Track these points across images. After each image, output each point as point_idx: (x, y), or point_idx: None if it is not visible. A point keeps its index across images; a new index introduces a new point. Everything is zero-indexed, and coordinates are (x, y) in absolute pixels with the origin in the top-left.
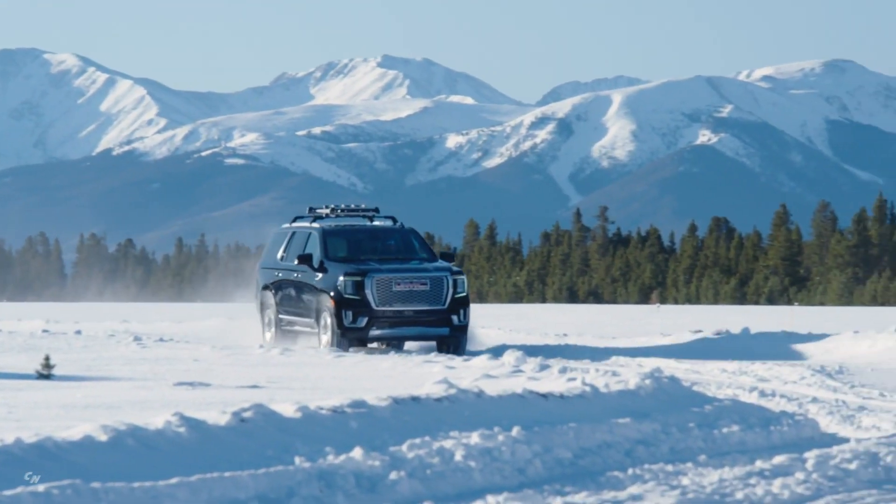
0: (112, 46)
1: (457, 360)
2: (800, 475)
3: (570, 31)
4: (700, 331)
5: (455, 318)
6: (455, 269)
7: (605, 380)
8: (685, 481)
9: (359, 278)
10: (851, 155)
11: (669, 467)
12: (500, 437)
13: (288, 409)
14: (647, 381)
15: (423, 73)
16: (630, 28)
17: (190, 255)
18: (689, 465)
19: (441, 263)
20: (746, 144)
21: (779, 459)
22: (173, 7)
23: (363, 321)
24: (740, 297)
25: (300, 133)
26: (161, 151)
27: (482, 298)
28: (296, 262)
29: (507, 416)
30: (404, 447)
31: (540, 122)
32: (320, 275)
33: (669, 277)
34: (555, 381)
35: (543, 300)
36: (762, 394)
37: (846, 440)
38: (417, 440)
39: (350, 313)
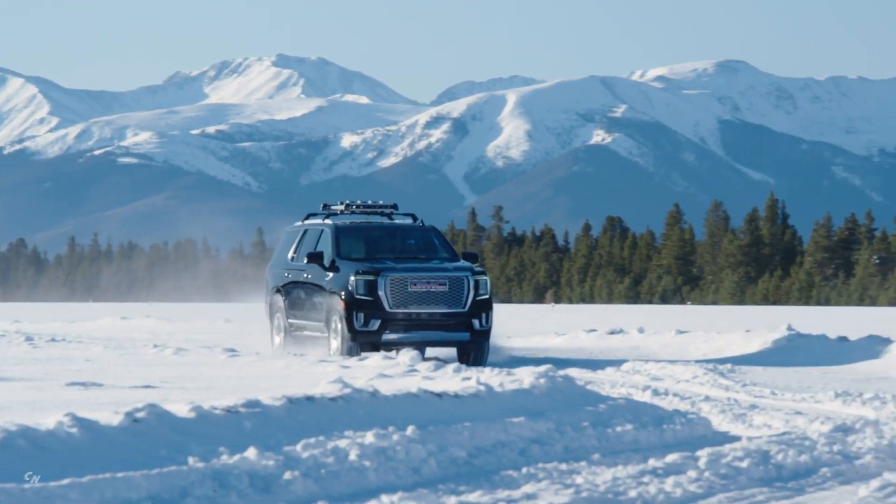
0: (2, 44)
1: (352, 360)
2: (692, 473)
3: (464, 31)
4: (594, 330)
5: (476, 322)
6: (477, 269)
7: (499, 378)
8: (579, 480)
9: (371, 277)
10: (743, 155)
11: (563, 466)
12: (395, 437)
13: (182, 409)
14: (542, 381)
15: (318, 72)
16: (525, 28)
17: (83, 254)
18: (583, 463)
19: (462, 263)
20: (640, 144)
21: (672, 458)
22: (66, 4)
23: (376, 324)
24: (634, 297)
25: (194, 132)
26: (53, 150)
27: None
28: (305, 261)
29: (402, 416)
30: (299, 447)
31: (435, 122)
32: (331, 274)
33: (564, 277)
34: (449, 380)
35: None
36: (655, 392)
37: (738, 438)
38: (312, 440)
39: (361, 315)
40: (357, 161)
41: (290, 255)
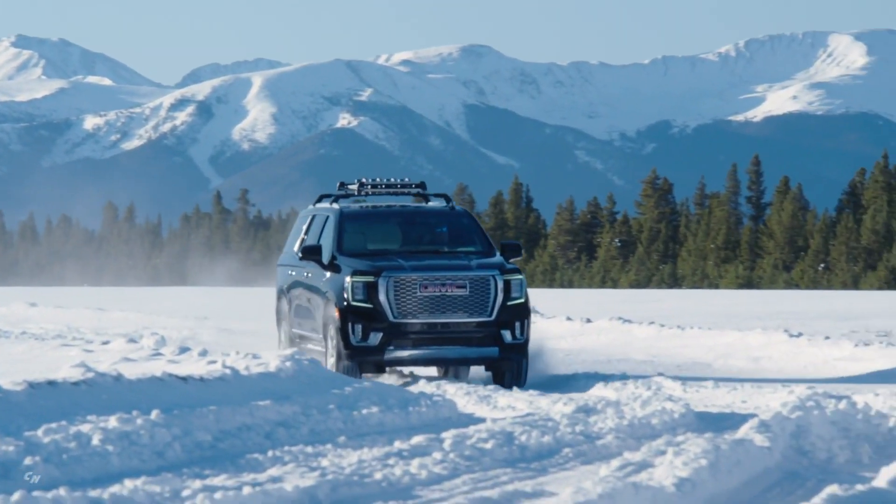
0: None
1: (94, 344)
2: (437, 455)
3: (208, 14)
4: None
5: (507, 333)
6: (509, 266)
7: (245, 362)
8: (325, 463)
9: (371, 279)
10: (488, 139)
11: (309, 449)
12: (139, 421)
13: None
14: (288, 364)
15: (60, 53)
16: (269, 11)
17: None
18: (329, 446)
19: (494, 259)
20: (386, 128)
21: (417, 440)
22: None
23: (377, 338)
24: None
25: None
26: None
27: (124, 281)
28: (299, 256)
29: (147, 400)
30: (40, 432)
31: (179, 104)
32: (328, 274)
33: None
34: (195, 364)
35: (184, 283)
36: (401, 375)
37: (482, 420)
38: (54, 425)
39: (359, 328)
40: (100, 143)
41: (296, 247)
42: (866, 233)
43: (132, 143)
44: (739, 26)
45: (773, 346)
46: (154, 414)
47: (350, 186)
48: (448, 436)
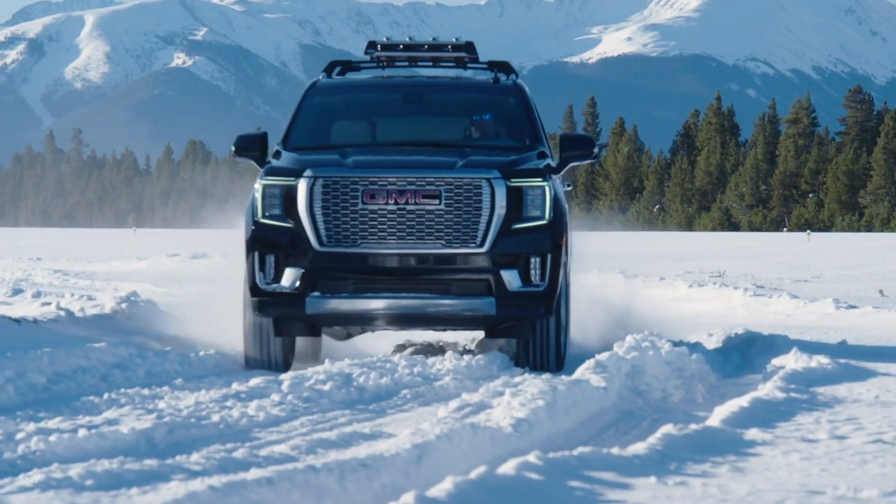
0: None
1: None
2: (276, 397)
3: None
4: (177, 254)
5: (512, 275)
6: (526, 166)
7: (80, 304)
8: (161, 405)
9: (289, 181)
10: None
11: (146, 391)
12: None
13: None
14: (124, 305)
15: None
16: None
17: None
18: (166, 388)
19: (517, 158)
20: (221, 68)
21: (255, 381)
22: None
23: (295, 280)
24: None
25: None
26: None
27: None
28: (232, 150)
29: None
30: None
31: (10, 43)
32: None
33: (145, 201)
34: (28, 305)
35: (17, 224)
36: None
37: (321, 362)
38: None
39: (269, 261)
40: None
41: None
42: (700, 174)
43: None
44: None
45: (608, 288)
46: None
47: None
48: (286, 378)
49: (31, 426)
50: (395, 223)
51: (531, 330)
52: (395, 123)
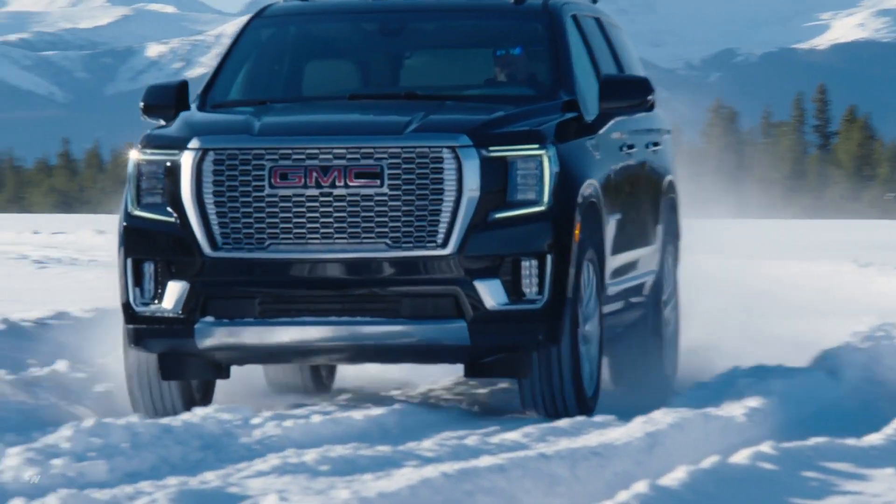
0: None
1: None
2: (506, 384)
3: None
4: None
5: (492, 286)
6: (522, 126)
7: None
8: (393, 392)
9: (173, 155)
10: None
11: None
12: None
13: None
14: None
15: None
16: None
17: None
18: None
19: (512, 113)
20: None
21: None
22: None
23: (177, 296)
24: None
25: None
26: None
27: None
28: (141, 108)
29: None
30: None
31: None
32: None
33: None
34: None
35: None
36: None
37: None
38: None
39: (149, 271)
40: (163, 71)
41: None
42: None
43: (196, 71)
44: None
45: (840, 276)
46: None
47: None
48: None
49: (267, 412)
50: (317, 215)
51: (527, 365)
52: (365, 67)
